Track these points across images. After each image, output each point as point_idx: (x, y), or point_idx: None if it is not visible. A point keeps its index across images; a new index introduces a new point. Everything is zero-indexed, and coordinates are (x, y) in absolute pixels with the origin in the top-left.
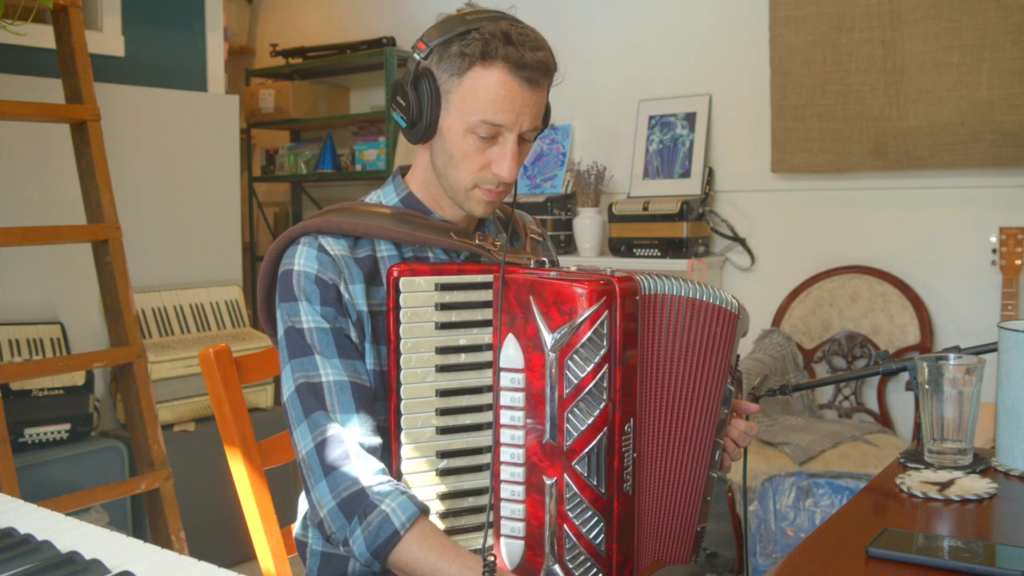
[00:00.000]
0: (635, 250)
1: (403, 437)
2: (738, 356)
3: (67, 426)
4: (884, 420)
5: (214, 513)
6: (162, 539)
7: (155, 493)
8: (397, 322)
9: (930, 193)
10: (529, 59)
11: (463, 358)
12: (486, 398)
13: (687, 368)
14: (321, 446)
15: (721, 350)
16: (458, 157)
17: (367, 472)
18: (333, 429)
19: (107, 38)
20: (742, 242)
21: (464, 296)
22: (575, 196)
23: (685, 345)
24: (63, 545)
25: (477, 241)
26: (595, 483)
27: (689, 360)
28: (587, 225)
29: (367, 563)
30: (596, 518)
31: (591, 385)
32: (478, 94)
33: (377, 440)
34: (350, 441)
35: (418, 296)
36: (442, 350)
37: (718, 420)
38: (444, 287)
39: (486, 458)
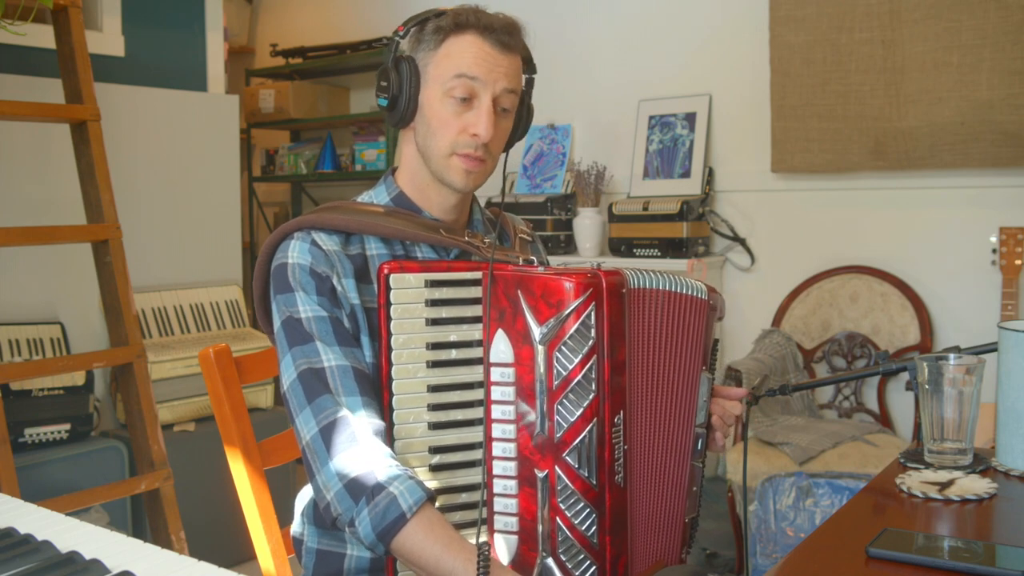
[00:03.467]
0: (635, 250)
1: (395, 432)
2: (717, 340)
3: (67, 426)
4: (884, 420)
5: (214, 513)
6: (162, 539)
7: (155, 493)
8: (388, 318)
9: (930, 193)
10: (497, 23)
11: (454, 354)
12: (477, 394)
13: (668, 360)
14: (327, 429)
15: (697, 339)
16: (436, 125)
17: (374, 454)
18: (339, 412)
19: (107, 38)
20: (742, 242)
21: (454, 292)
22: (575, 196)
23: (665, 337)
24: (63, 545)
25: (467, 238)
26: (586, 475)
27: (670, 352)
28: (587, 225)
29: (372, 545)
30: (588, 510)
31: (579, 376)
32: (452, 58)
33: (382, 423)
34: (356, 424)
35: (408, 292)
36: (433, 346)
37: (698, 408)
38: (434, 283)
39: (478, 454)
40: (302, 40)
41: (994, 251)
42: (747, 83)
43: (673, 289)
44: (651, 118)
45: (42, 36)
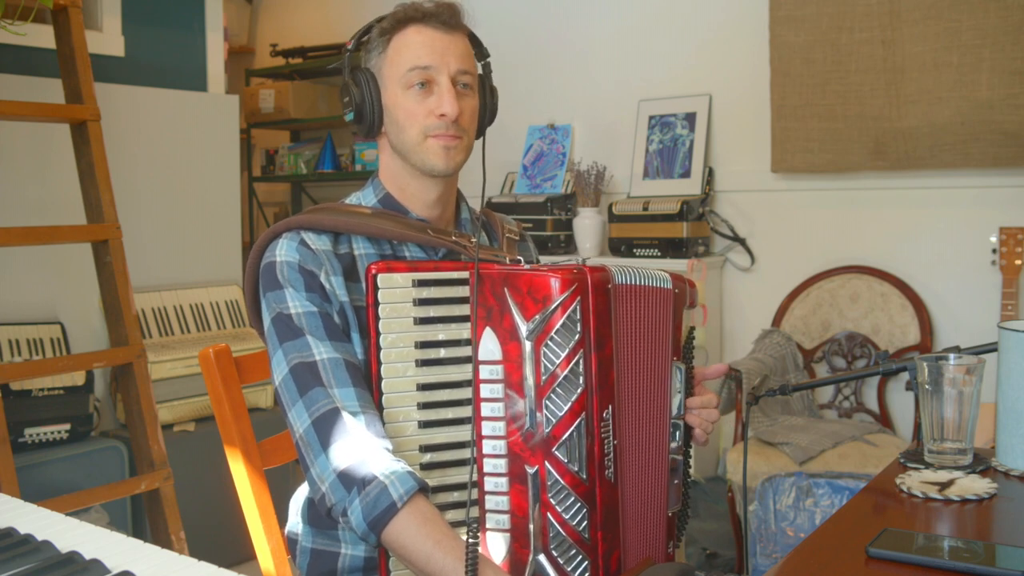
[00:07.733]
0: (635, 250)
1: (385, 431)
2: (692, 328)
3: (67, 426)
4: (884, 420)
5: (214, 513)
6: (162, 539)
7: (155, 493)
8: (376, 318)
9: (930, 193)
10: (435, 9)
11: (443, 353)
12: (467, 392)
13: (642, 353)
14: (320, 420)
15: (665, 330)
16: (403, 118)
17: (368, 445)
18: (332, 403)
19: (107, 38)
20: (742, 242)
21: (441, 292)
22: (575, 196)
23: (639, 331)
24: (63, 545)
25: (454, 238)
26: (576, 469)
27: (644, 345)
28: (587, 225)
29: (364, 535)
30: (579, 504)
31: (567, 370)
32: (401, 52)
33: (376, 414)
34: (349, 415)
35: (396, 292)
36: (422, 345)
37: (671, 400)
38: (421, 283)
39: (469, 452)
40: (302, 40)
41: (994, 251)
42: (747, 83)
43: (642, 283)
44: (651, 118)
45: (42, 36)
